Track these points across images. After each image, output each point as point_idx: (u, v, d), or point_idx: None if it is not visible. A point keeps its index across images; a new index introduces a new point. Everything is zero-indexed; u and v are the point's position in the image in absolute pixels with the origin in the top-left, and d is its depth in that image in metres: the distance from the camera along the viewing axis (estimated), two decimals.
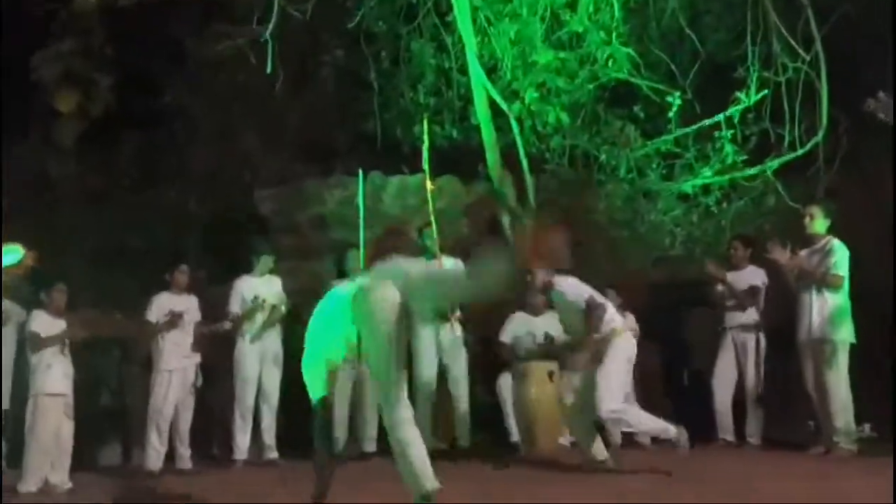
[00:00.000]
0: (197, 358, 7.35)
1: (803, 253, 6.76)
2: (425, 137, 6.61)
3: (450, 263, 7.32)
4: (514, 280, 4.06)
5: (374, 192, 8.96)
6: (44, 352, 6.57)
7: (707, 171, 8.54)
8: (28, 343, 6.68)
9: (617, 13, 8.55)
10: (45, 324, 6.65)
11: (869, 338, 6.68)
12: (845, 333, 6.51)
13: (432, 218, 6.54)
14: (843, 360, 6.48)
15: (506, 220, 8.49)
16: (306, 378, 4.45)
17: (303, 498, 4.62)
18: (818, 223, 6.75)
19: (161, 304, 7.27)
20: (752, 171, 8.38)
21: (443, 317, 7.30)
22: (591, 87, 8.90)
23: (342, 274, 7.08)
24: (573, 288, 5.96)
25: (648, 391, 7.55)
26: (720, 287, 7.44)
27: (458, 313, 7.34)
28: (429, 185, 6.62)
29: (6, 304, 7.02)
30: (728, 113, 8.29)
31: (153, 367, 7.24)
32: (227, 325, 7.39)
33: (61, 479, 6.51)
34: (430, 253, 6.91)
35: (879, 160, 8.07)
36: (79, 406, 6.81)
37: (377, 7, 9.41)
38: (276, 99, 9.51)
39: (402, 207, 9.21)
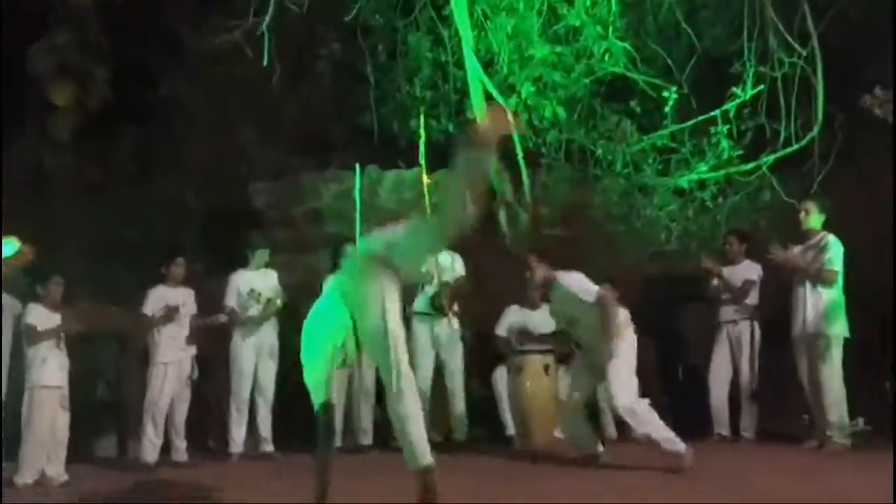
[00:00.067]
0: (193, 351, 7.36)
1: (798, 248, 6.78)
2: (422, 131, 6.64)
3: (447, 258, 7.36)
4: (473, 199, 4.06)
5: (370, 186, 8.97)
6: (40, 345, 6.58)
7: (703, 167, 8.56)
8: (24, 336, 6.67)
9: (614, 7, 8.55)
10: (42, 317, 6.65)
11: (863, 332, 6.70)
12: (839, 328, 6.53)
13: (429, 212, 6.55)
14: (836, 355, 6.50)
15: (502, 214, 8.50)
16: (308, 382, 4.45)
17: (299, 490, 4.64)
18: (813, 219, 6.76)
19: (157, 297, 7.28)
20: (747, 166, 8.39)
21: (441, 311, 7.32)
22: (587, 81, 8.91)
23: (338, 268, 7.08)
24: (579, 283, 5.90)
25: (644, 386, 7.55)
26: (715, 282, 7.46)
27: (455, 308, 7.36)
28: (425, 179, 6.63)
29: (2, 297, 7.01)
30: (724, 108, 8.30)
31: (149, 360, 7.24)
32: (223, 318, 7.40)
33: (57, 471, 6.51)
34: None
35: (875, 156, 8.10)
36: (76, 398, 6.81)
37: (374, 0, 9.40)
38: (272, 92, 9.51)
39: (398, 201, 9.21)
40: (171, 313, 7.16)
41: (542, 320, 7.40)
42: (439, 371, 7.43)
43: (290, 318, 7.05)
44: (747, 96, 8.20)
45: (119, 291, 8.03)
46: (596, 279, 6.00)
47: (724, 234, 7.92)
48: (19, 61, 10.49)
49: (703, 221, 8.91)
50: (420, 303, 7.46)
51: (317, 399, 4.45)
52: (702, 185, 8.78)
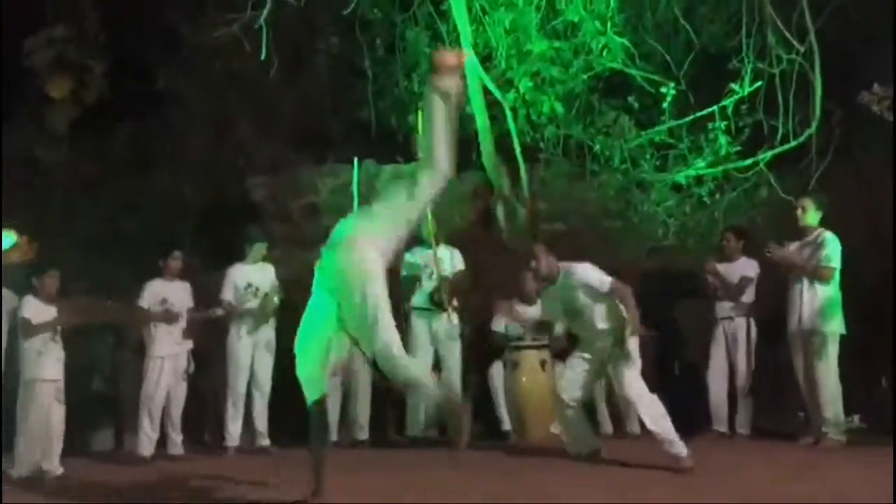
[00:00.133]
0: (189, 344, 7.35)
1: (795, 245, 6.78)
2: (419, 126, 6.61)
3: (446, 253, 7.36)
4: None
5: (368, 180, 8.92)
6: (35, 338, 6.56)
7: (700, 163, 8.57)
8: (19, 329, 6.65)
9: (612, 3, 8.56)
10: (37, 310, 6.62)
11: (859, 329, 6.71)
12: (835, 325, 6.53)
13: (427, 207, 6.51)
14: (832, 352, 6.51)
15: (500, 209, 8.50)
16: (300, 377, 4.42)
17: (294, 485, 4.64)
18: (810, 215, 6.76)
19: (154, 291, 7.27)
20: (745, 162, 8.41)
21: (440, 307, 7.32)
22: (585, 77, 8.92)
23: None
24: (593, 272, 5.84)
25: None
26: (711, 278, 7.45)
27: (455, 303, 7.36)
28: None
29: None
30: (722, 104, 8.31)
31: (146, 354, 7.24)
32: (219, 311, 7.40)
33: (53, 464, 6.50)
34: (425, 243, 6.91)
35: (872, 153, 8.10)
36: (72, 392, 6.79)
37: None
38: (270, 86, 9.49)
39: None
40: (169, 316, 7.16)
41: (539, 315, 7.39)
42: (437, 367, 7.42)
43: (287, 312, 7.04)
44: (745, 92, 8.21)
45: (115, 284, 8.02)
46: None
47: (722, 230, 7.91)
48: (17, 54, 10.47)
49: (701, 217, 8.92)
50: (419, 298, 7.45)
51: (309, 394, 4.43)
52: (699, 181, 8.79)
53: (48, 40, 10.74)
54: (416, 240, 7.17)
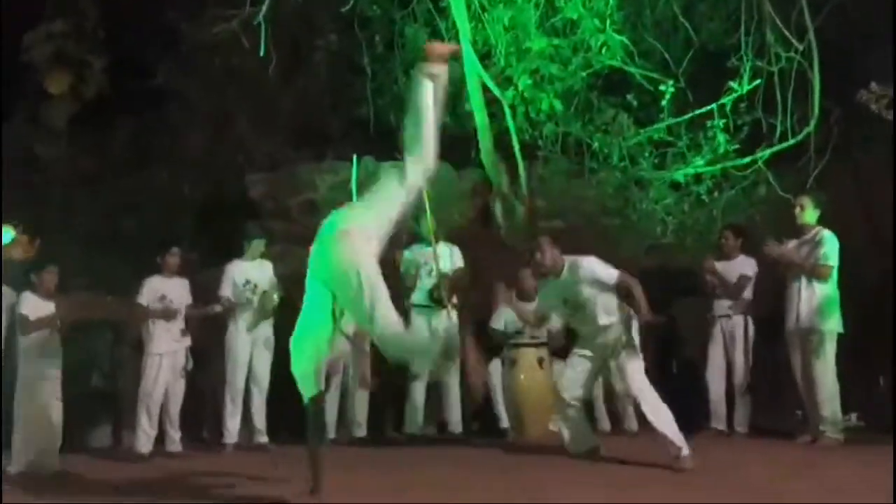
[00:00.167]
0: (187, 341, 7.36)
1: (793, 243, 6.78)
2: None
3: (445, 250, 7.35)
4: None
5: (366, 177, 8.94)
6: (33, 334, 6.56)
7: (699, 161, 8.56)
8: (18, 325, 6.66)
9: (611, 0, 8.54)
10: (35, 306, 6.63)
11: (857, 328, 6.72)
12: (833, 323, 6.53)
13: (427, 204, 6.52)
14: (830, 350, 6.51)
15: (498, 206, 8.50)
16: (296, 374, 4.41)
17: (293, 482, 4.64)
18: (808, 213, 6.76)
19: (152, 288, 7.26)
20: (743, 160, 8.39)
21: (439, 304, 7.31)
22: (584, 74, 8.91)
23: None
24: (601, 265, 5.81)
25: None
26: (709, 276, 7.45)
27: (454, 300, 7.35)
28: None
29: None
30: (721, 102, 8.30)
31: (144, 350, 7.24)
32: (218, 308, 7.39)
33: (51, 461, 6.50)
34: (425, 240, 6.91)
35: (871, 151, 8.11)
36: (70, 388, 6.80)
37: None
38: (269, 83, 9.49)
39: None
40: (167, 314, 7.16)
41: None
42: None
43: (286, 309, 7.04)
44: (744, 90, 8.19)
45: (114, 281, 8.02)
46: None
47: (720, 228, 7.91)
48: (16, 49, 10.46)
49: (699, 215, 8.92)
50: (419, 295, 7.45)
51: (305, 391, 4.42)
52: (698, 178, 8.79)
53: (47, 35, 10.74)
54: (415, 237, 7.19)
